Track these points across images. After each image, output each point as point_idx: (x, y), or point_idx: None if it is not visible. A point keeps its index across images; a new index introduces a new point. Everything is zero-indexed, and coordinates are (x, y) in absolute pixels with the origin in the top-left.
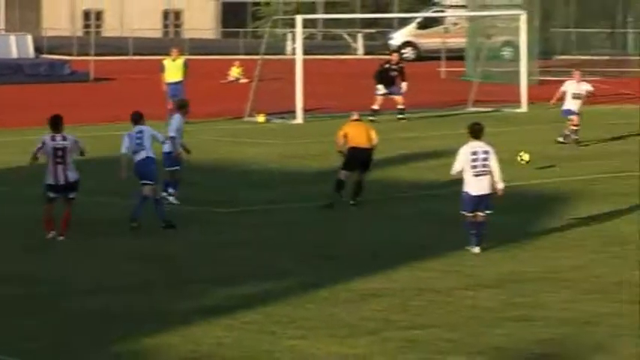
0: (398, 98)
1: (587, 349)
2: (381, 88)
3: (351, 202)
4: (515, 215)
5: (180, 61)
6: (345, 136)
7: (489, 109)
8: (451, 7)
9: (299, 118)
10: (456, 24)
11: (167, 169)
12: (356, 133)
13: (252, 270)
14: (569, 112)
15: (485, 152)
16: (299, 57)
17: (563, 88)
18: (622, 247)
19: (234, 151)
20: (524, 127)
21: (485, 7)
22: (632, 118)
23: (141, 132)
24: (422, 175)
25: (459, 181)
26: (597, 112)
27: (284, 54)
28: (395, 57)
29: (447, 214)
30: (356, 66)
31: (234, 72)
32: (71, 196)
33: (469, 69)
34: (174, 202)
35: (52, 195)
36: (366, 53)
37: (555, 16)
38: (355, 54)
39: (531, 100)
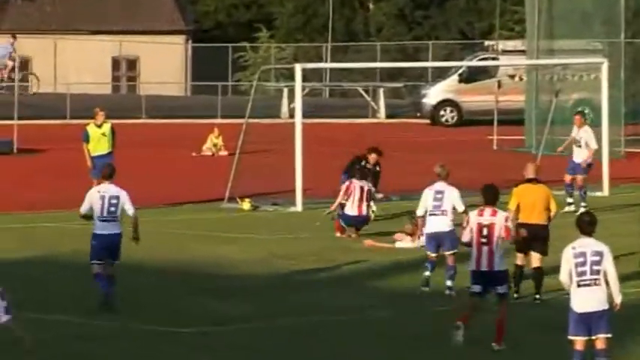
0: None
1: None
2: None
3: (535, 297)
4: None
5: (108, 126)
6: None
7: (557, 193)
8: (505, 52)
9: (298, 205)
10: (512, 76)
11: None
12: (527, 204)
13: None
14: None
15: (597, 254)
16: (298, 120)
17: None
18: None
19: (203, 249)
20: (607, 216)
21: (552, 52)
22: None
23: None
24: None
25: None
26: None
27: (278, 117)
28: (373, 157)
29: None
30: (377, 132)
31: (213, 141)
32: None
33: (529, 137)
34: None
35: None
36: (389, 116)
37: None
38: (376, 117)
39: (614, 181)
